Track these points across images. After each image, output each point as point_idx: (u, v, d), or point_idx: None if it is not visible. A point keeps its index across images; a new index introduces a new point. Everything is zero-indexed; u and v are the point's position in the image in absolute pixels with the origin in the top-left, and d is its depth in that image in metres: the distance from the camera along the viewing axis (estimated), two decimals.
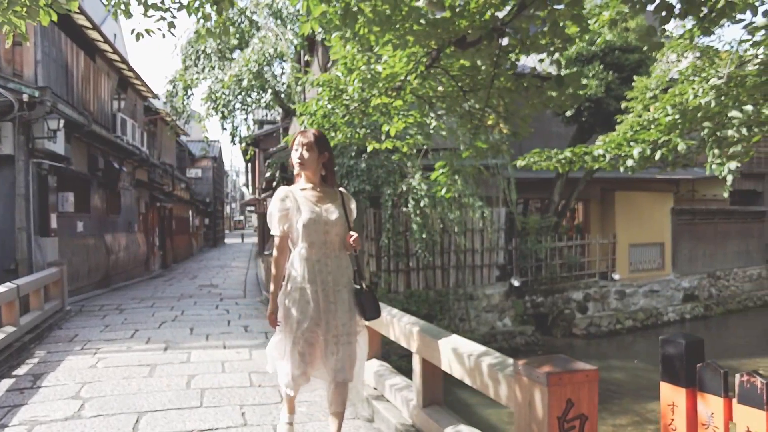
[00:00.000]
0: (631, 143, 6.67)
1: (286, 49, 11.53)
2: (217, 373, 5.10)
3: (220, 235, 42.93)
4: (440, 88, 5.29)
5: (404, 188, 10.55)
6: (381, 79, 5.00)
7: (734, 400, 1.90)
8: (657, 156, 6.30)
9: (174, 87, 13.02)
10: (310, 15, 4.37)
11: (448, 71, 4.85)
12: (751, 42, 5.96)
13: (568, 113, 11.93)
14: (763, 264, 18.18)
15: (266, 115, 21.43)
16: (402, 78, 4.90)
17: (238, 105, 12.19)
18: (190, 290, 12.30)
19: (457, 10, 4.02)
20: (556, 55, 4.29)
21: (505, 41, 4.21)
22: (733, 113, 5.98)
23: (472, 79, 4.95)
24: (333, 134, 5.80)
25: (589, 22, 5.29)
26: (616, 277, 14.54)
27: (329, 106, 5.80)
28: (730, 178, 6.15)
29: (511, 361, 2.54)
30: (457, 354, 2.86)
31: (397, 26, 4.12)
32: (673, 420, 2.09)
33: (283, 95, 12.62)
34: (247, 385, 4.73)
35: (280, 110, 14.94)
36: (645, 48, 10.48)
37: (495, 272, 12.66)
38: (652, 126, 6.83)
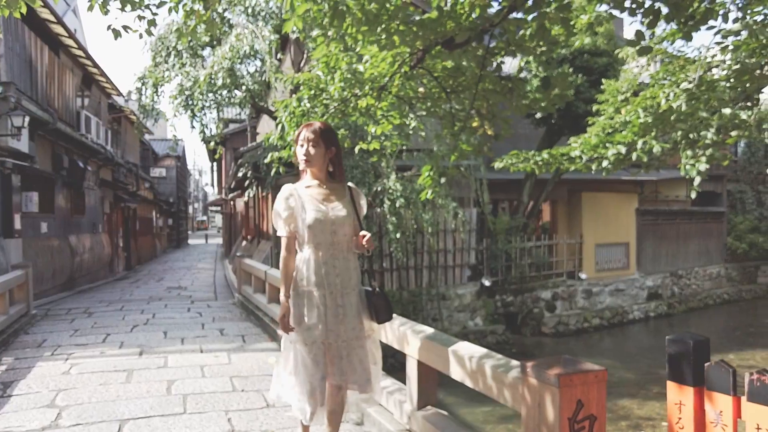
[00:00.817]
0: (607, 144, 6.79)
1: (263, 46, 11.35)
2: (197, 378, 4.98)
3: (183, 236, 42.25)
4: (421, 89, 5.29)
5: (379, 188, 10.53)
6: (365, 80, 4.96)
7: (743, 398, 1.94)
8: (634, 157, 6.43)
9: (143, 84, 12.67)
10: (293, 12, 4.30)
11: (431, 72, 4.85)
12: (721, 47, 6.13)
13: (538, 115, 12.10)
14: (722, 263, 18.80)
15: (238, 113, 21.07)
16: (386, 78, 4.87)
17: (208, 103, 11.95)
18: (159, 292, 12.02)
19: (445, 10, 4.01)
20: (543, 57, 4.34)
21: (491, 43, 4.23)
22: (704, 115, 6.15)
23: (456, 80, 4.96)
24: None
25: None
26: (583, 276, 14.83)
27: (308, 105, 5.73)
28: (698, 179, 6.33)
29: (514, 362, 2.54)
30: (458, 356, 2.85)
31: (384, 26, 4.09)
32: (680, 419, 2.12)
33: (252, 93, 12.42)
34: (229, 389, 4.63)
35: (249, 108, 14.71)
36: (615, 51, 10.69)
37: (467, 272, 12.77)
38: (626, 128, 6.96)
